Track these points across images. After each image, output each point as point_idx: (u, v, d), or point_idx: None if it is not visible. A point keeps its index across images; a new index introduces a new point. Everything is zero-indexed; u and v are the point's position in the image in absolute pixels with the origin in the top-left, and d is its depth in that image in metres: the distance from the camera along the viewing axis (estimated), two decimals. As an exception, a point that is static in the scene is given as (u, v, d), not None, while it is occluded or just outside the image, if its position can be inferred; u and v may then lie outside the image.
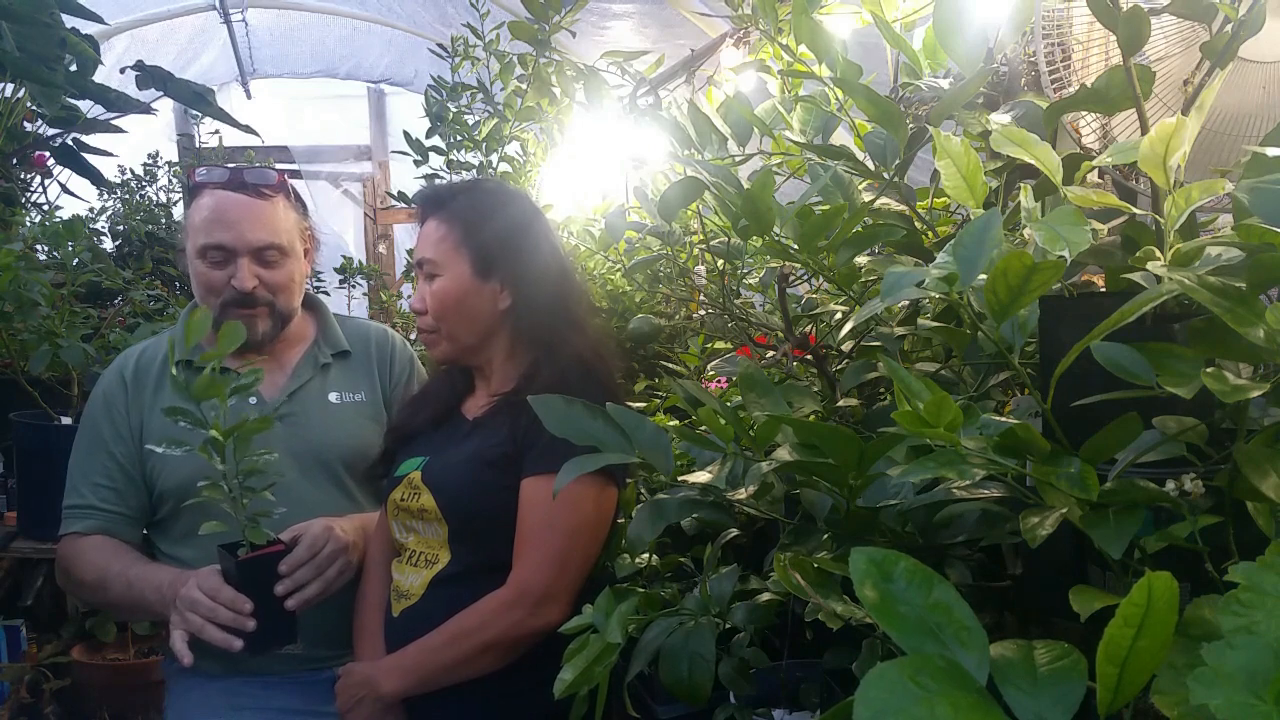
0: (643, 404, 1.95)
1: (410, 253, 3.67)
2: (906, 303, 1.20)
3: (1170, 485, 0.74)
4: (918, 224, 1.19)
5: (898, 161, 1.17)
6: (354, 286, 4.16)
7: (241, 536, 1.35)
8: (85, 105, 2.50)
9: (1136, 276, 0.79)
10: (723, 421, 1.01)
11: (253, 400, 1.57)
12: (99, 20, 2.38)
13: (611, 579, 1.43)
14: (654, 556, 1.44)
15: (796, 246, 1.13)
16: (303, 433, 1.58)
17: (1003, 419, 0.81)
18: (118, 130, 2.56)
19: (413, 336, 3.37)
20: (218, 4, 4.92)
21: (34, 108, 2.31)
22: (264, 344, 1.61)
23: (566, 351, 1.41)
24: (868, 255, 1.17)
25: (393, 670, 1.35)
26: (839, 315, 1.40)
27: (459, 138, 2.62)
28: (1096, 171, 1.13)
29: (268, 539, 1.37)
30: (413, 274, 2.07)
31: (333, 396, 1.66)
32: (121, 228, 3.83)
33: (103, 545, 1.56)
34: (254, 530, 1.35)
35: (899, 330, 1.22)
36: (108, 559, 1.54)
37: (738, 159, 1.34)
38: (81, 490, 1.58)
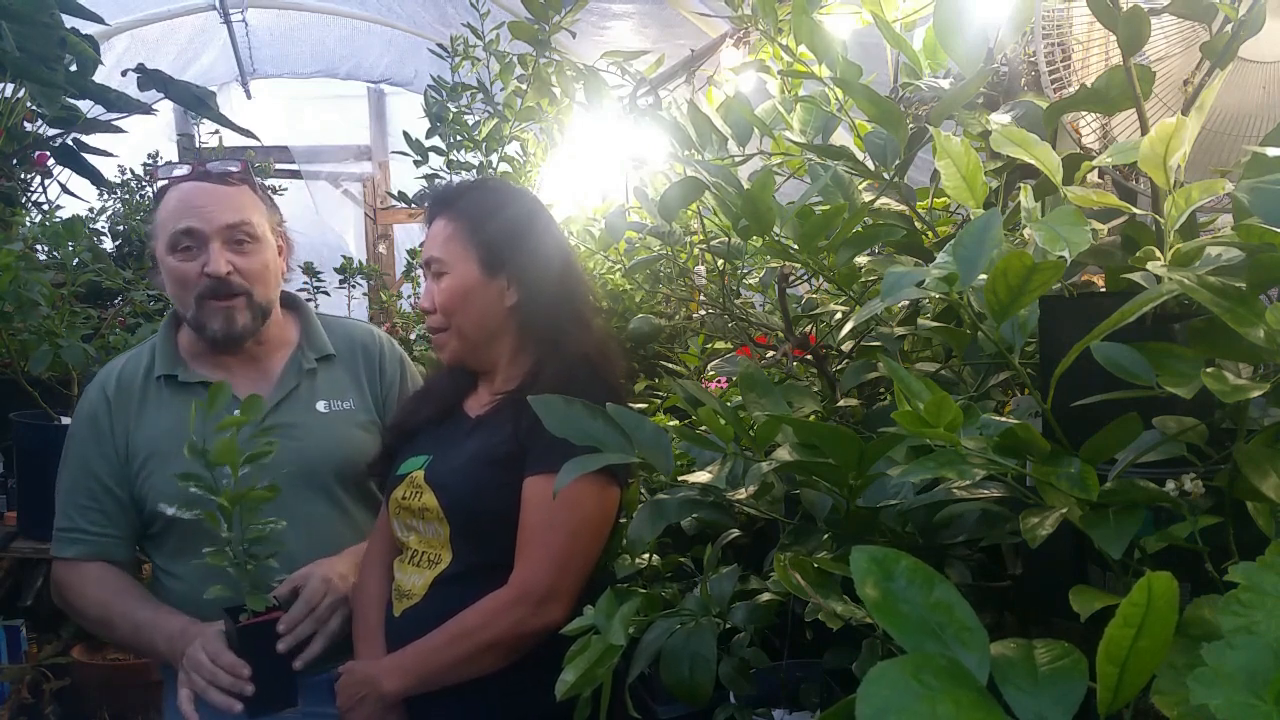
0: (644, 405, 1.95)
1: (411, 253, 3.68)
2: (906, 303, 1.20)
3: (1170, 485, 0.74)
4: (918, 224, 1.19)
5: (898, 161, 1.17)
6: (354, 286, 4.16)
7: (243, 602, 1.37)
8: (85, 105, 2.50)
9: (1136, 276, 0.79)
10: (723, 421, 1.01)
11: (235, 412, 1.54)
12: (99, 20, 2.38)
13: (613, 579, 1.43)
14: (654, 557, 1.44)
15: (796, 246, 1.13)
16: (291, 444, 1.52)
17: (1003, 419, 0.81)
18: (118, 130, 2.55)
19: (413, 337, 3.37)
20: (218, 4, 4.92)
21: (34, 108, 2.31)
22: (244, 340, 1.56)
23: (571, 350, 1.41)
24: (868, 255, 1.17)
25: (394, 669, 1.35)
26: (839, 315, 1.40)
27: (459, 138, 2.62)
28: (1096, 171, 1.13)
29: (269, 605, 1.39)
30: (414, 274, 2.07)
31: (320, 405, 1.62)
32: (121, 228, 3.83)
33: (104, 579, 1.54)
34: (255, 599, 1.37)
35: (899, 330, 1.22)
36: (110, 596, 1.52)
37: (738, 159, 1.34)
38: (70, 514, 1.55)
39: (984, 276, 0.74)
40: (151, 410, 1.57)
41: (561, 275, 1.46)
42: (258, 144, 3.70)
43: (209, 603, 1.42)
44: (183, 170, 1.57)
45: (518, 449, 1.36)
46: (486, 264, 1.42)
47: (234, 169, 1.58)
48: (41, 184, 2.95)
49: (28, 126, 2.44)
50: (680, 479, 1.06)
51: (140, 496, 1.55)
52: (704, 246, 1.64)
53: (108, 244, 3.79)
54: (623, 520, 1.43)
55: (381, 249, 6.24)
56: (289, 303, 1.71)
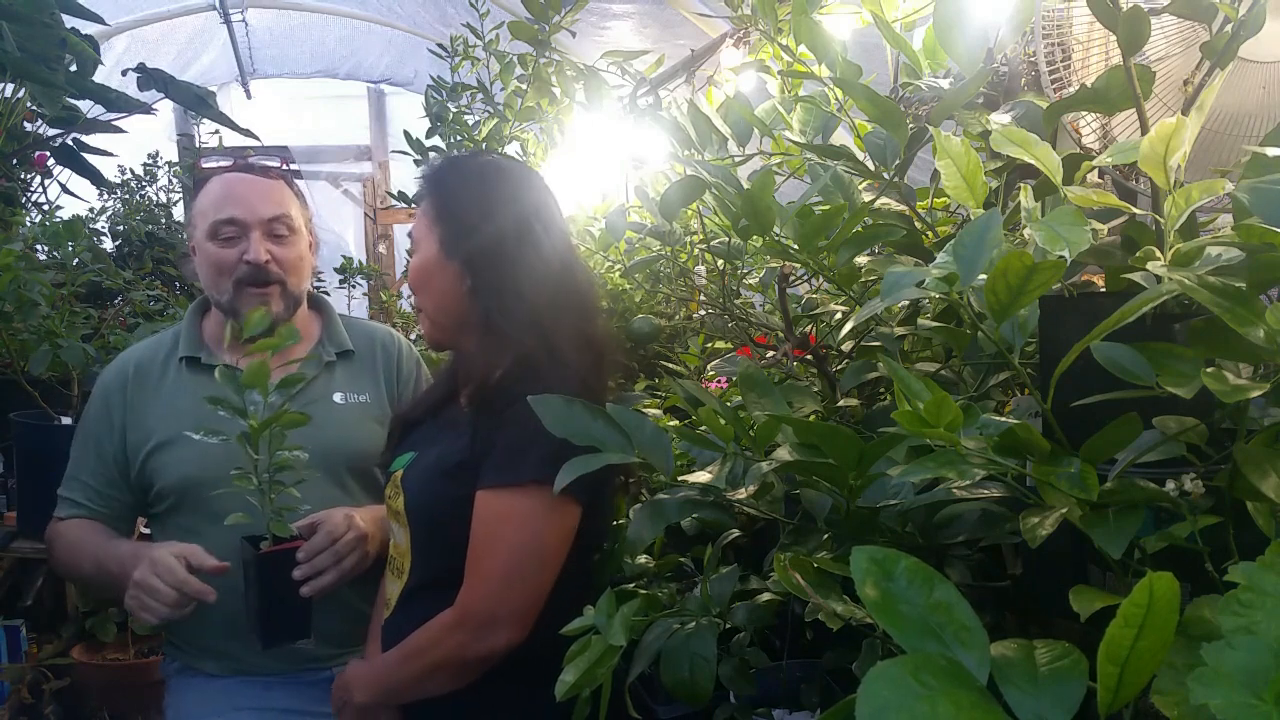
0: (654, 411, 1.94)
1: (411, 252, 3.68)
2: (906, 303, 1.20)
3: (1170, 485, 0.74)
4: (918, 224, 1.19)
5: (898, 161, 1.17)
6: (354, 286, 4.16)
7: (264, 529, 1.37)
8: (85, 105, 2.50)
9: (1136, 276, 0.79)
10: (723, 421, 1.01)
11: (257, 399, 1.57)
12: (99, 20, 2.38)
13: (600, 590, 1.41)
14: (651, 563, 1.43)
15: (796, 246, 1.13)
16: (307, 432, 1.51)
17: (1003, 419, 0.81)
18: (118, 130, 2.55)
19: (413, 336, 3.38)
20: (218, 4, 4.92)
21: (34, 108, 2.31)
22: (275, 327, 1.57)
23: (540, 346, 1.29)
24: (868, 255, 1.17)
25: (363, 681, 1.33)
26: (839, 315, 1.40)
27: (459, 138, 2.62)
28: (1096, 171, 1.13)
29: (291, 534, 1.39)
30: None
31: (337, 397, 1.66)
32: (121, 228, 3.83)
33: (78, 527, 1.59)
34: (279, 524, 1.36)
35: (899, 330, 1.22)
36: (80, 540, 1.57)
37: (738, 159, 1.34)
38: (71, 483, 1.62)
39: (984, 276, 0.74)
40: (169, 392, 1.61)
41: (528, 267, 1.33)
42: (258, 144, 3.70)
43: (217, 580, 1.42)
44: (226, 162, 1.62)
45: (471, 458, 1.27)
46: (446, 246, 1.34)
47: (275, 164, 1.63)
48: (41, 184, 2.95)
49: (28, 126, 2.44)
50: (680, 479, 1.06)
51: (149, 476, 1.58)
52: (704, 246, 1.64)
53: (108, 244, 3.80)
54: (620, 522, 1.43)
55: (381, 249, 6.25)
56: (313, 302, 1.76)
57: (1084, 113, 1.11)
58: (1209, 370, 0.71)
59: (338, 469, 1.61)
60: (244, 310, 1.56)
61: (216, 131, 4.64)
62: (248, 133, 2.90)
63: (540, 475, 1.18)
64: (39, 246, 2.47)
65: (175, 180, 4.20)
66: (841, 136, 1.33)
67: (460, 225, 1.34)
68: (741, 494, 1.03)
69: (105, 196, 3.87)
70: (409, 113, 5.25)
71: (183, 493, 1.56)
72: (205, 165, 1.63)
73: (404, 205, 3.04)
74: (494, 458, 1.24)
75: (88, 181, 2.67)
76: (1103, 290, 0.99)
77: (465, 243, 1.33)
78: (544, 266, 1.34)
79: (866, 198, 1.22)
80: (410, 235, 1.44)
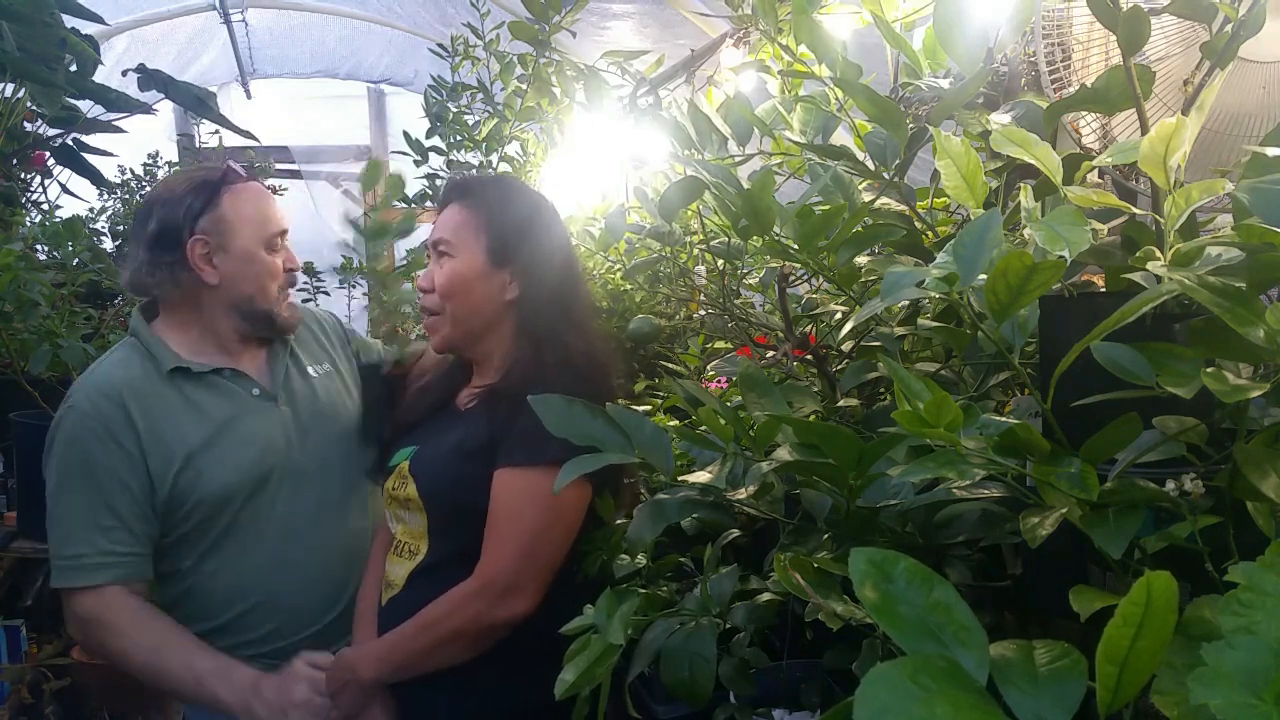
0: (647, 408, 1.95)
1: (411, 253, 3.68)
2: (906, 303, 1.20)
3: (1170, 485, 0.74)
4: (918, 224, 1.19)
5: (898, 161, 1.17)
6: (354, 286, 4.15)
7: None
8: (85, 105, 2.50)
9: (1136, 276, 0.79)
10: (723, 421, 1.01)
11: (255, 392, 1.58)
12: (99, 20, 2.38)
13: (612, 579, 1.42)
14: (650, 562, 1.43)
15: (796, 246, 1.13)
16: (294, 406, 1.63)
17: (1003, 419, 0.81)
18: (118, 130, 2.55)
19: (413, 336, 3.37)
20: (218, 4, 4.92)
21: (34, 108, 2.31)
22: (280, 328, 1.66)
23: (559, 352, 1.41)
24: (868, 255, 1.17)
25: (370, 658, 1.38)
26: (839, 315, 1.40)
27: (459, 138, 2.62)
28: (1096, 171, 1.13)
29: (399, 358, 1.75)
30: (414, 274, 2.08)
31: (312, 370, 1.71)
32: (121, 228, 3.83)
33: (145, 619, 1.46)
34: (390, 350, 1.74)
35: (899, 330, 1.22)
36: (160, 639, 1.45)
37: (738, 159, 1.34)
38: (89, 539, 1.44)
39: (984, 276, 0.74)
40: (175, 406, 1.51)
41: (564, 280, 1.47)
42: (258, 144, 3.70)
43: (250, 592, 1.51)
44: (248, 172, 1.68)
45: (490, 441, 1.36)
46: (494, 254, 1.43)
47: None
48: (41, 184, 2.95)
49: (28, 126, 2.44)
50: (680, 479, 1.06)
51: (182, 493, 1.47)
52: (704, 246, 1.64)
53: (108, 244, 3.79)
54: (621, 520, 1.43)
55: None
56: None
57: (1084, 113, 1.12)
58: (1209, 370, 0.71)
59: (329, 434, 1.66)
60: (280, 313, 1.61)
61: (216, 132, 4.64)
62: (247, 133, 2.91)
63: (559, 455, 1.21)
64: (39, 246, 2.47)
65: (175, 180, 4.18)
66: (841, 136, 1.33)
67: (512, 238, 1.44)
68: (741, 494, 1.03)
69: (105, 196, 3.86)
70: (409, 113, 5.25)
71: (224, 502, 1.49)
72: (233, 167, 1.59)
73: (404, 205, 3.04)
74: (515, 440, 1.33)
75: (88, 181, 2.67)
76: (1103, 290, 0.99)
77: (516, 255, 1.43)
78: (576, 283, 1.51)
79: (866, 198, 1.22)
80: (443, 242, 1.45)
